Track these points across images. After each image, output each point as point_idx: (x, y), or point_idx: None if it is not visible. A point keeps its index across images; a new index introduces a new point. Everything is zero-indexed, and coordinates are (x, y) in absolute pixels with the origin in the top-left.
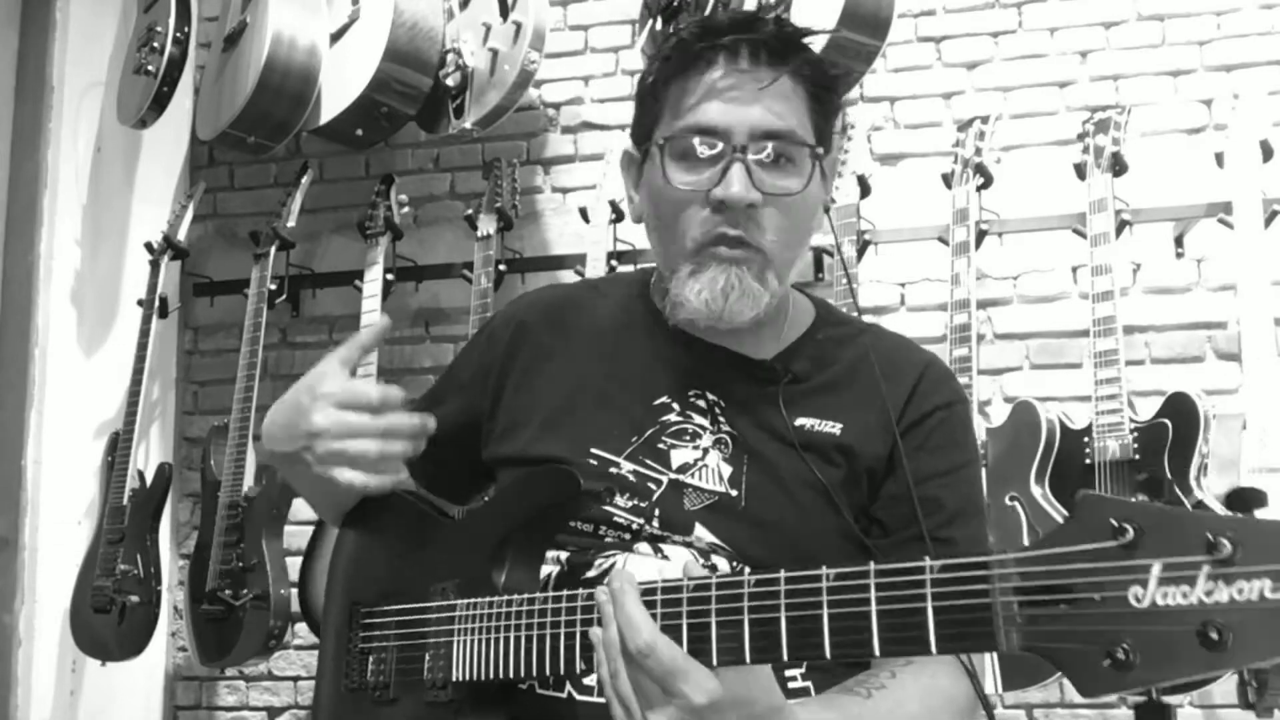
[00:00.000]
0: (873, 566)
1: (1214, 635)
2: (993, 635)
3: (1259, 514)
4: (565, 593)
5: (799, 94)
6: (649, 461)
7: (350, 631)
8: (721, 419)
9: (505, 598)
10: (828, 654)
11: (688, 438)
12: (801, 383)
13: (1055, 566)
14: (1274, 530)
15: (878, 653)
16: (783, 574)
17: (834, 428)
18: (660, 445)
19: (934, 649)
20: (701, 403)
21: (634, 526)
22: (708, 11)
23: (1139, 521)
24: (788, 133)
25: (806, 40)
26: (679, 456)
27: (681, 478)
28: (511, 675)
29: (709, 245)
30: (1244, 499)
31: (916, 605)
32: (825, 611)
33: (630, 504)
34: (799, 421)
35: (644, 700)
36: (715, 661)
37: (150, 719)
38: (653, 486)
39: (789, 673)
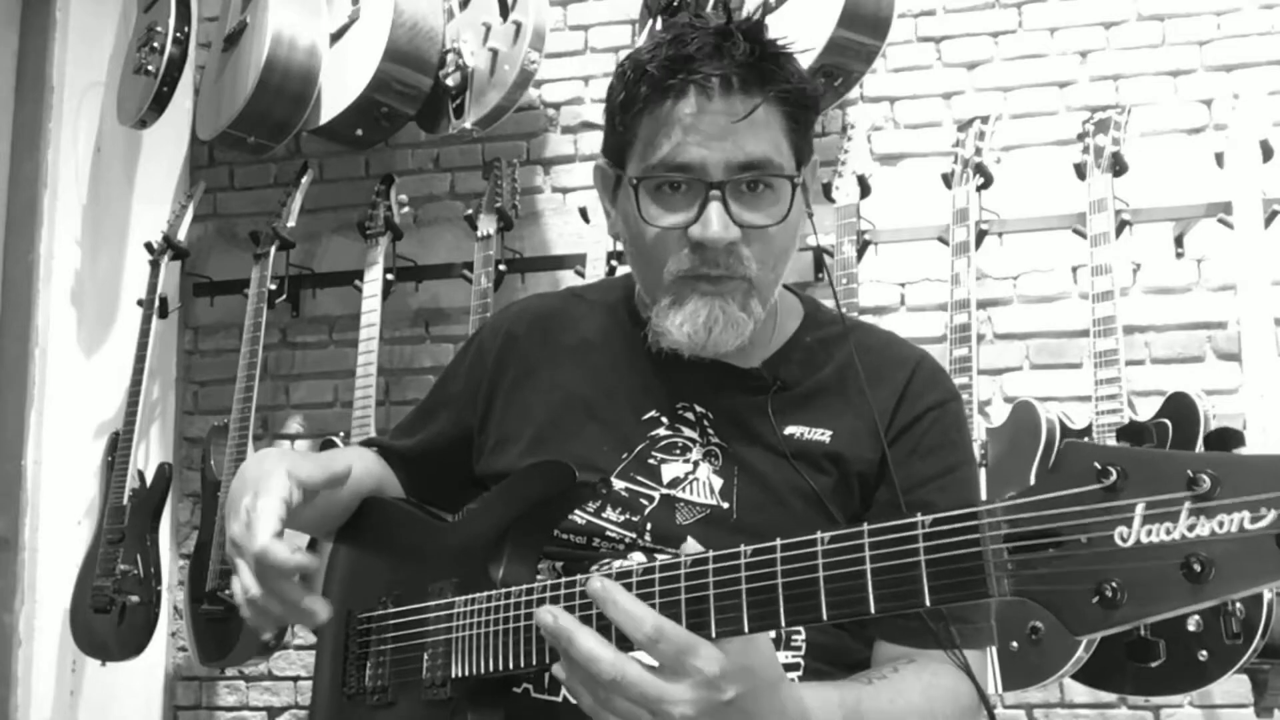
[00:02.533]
0: (866, 527)
1: (1197, 567)
2: (984, 583)
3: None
4: (564, 579)
5: (775, 118)
6: (640, 477)
7: (346, 639)
8: (710, 431)
9: (503, 590)
10: (824, 615)
11: (678, 451)
12: (790, 390)
13: (1042, 512)
14: (1252, 465)
15: (873, 609)
16: (779, 542)
17: (823, 435)
18: (651, 460)
19: (928, 601)
20: (690, 415)
21: (626, 540)
22: (709, 8)
23: (1121, 465)
24: (764, 162)
25: (790, 50)
26: (669, 471)
27: (673, 492)
28: (512, 666)
29: (688, 279)
30: (1223, 438)
31: (910, 560)
32: (821, 574)
33: (622, 518)
34: (788, 430)
35: (657, 690)
36: (714, 634)
37: (150, 719)
38: (644, 502)
39: (788, 676)
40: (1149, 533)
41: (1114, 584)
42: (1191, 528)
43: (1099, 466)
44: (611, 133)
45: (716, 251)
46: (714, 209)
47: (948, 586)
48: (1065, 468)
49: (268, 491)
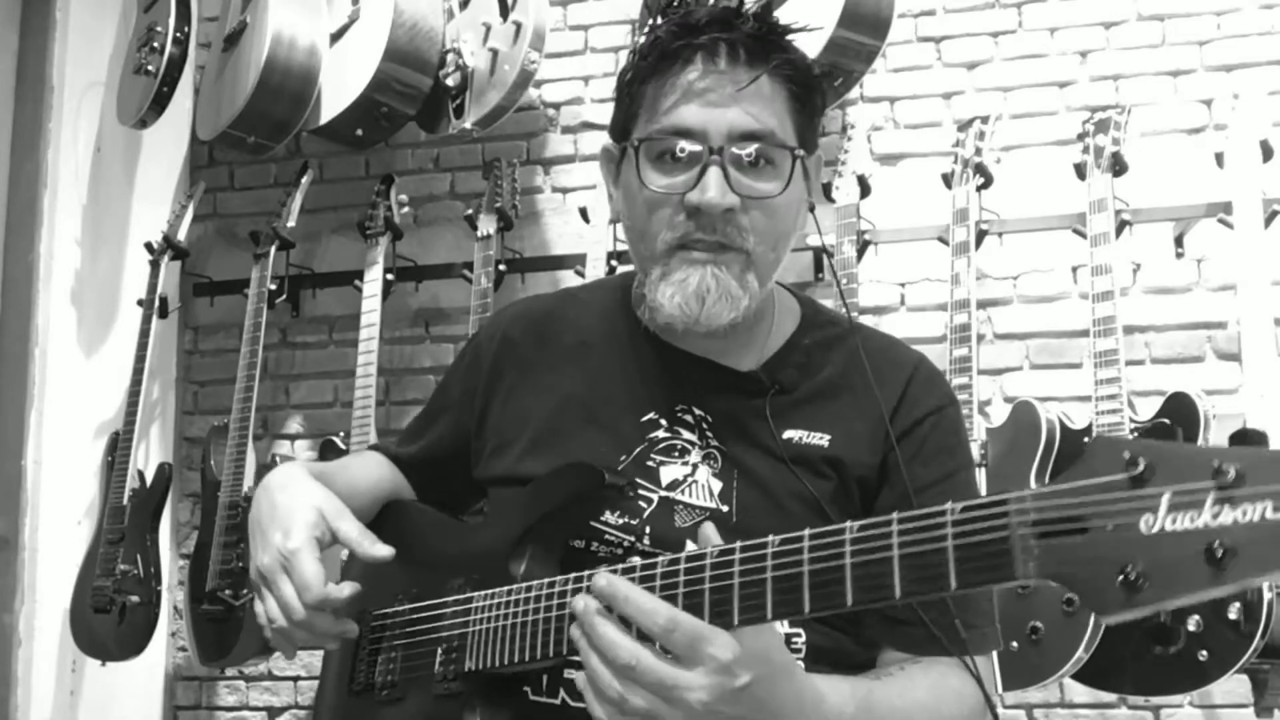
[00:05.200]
0: (895, 515)
1: (1219, 554)
2: (1011, 565)
3: None
4: (587, 573)
5: (779, 94)
6: (639, 480)
7: (360, 636)
8: (709, 434)
9: (523, 585)
10: (849, 601)
11: (677, 454)
12: (788, 393)
13: (1070, 500)
14: (1277, 458)
15: (898, 594)
16: (807, 532)
17: (822, 439)
18: (650, 463)
19: (954, 584)
20: (689, 418)
21: (625, 544)
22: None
23: (1149, 457)
24: (766, 134)
25: (793, 37)
26: (669, 474)
27: (672, 495)
28: (528, 658)
29: (680, 249)
30: (1248, 439)
31: (938, 546)
32: (848, 561)
33: (620, 521)
34: (786, 434)
35: (673, 677)
36: (736, 620)
37: (150, 719)
38: (643, 505)
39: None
40: (1173, 520)
41: (1137, 569)
42: (1215, 516)
43: (1128, 456)
44: (619, 108)
45: (713, 218)
46: (713, 174)
47: (974, 570)
48: (1095, 459)
49: (300, 528)
